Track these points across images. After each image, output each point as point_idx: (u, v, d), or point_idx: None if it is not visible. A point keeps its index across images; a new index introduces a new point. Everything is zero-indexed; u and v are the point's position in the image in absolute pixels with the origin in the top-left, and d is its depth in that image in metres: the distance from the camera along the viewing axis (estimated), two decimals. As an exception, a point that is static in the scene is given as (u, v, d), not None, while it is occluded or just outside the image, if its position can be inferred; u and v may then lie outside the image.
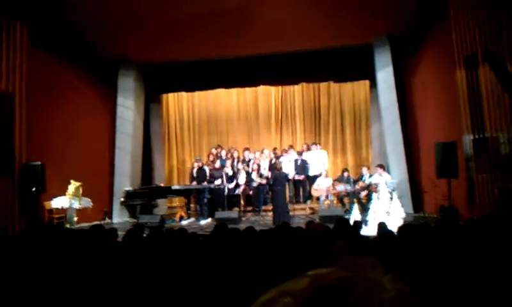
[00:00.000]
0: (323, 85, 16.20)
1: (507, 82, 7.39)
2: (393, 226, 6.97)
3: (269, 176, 12.97)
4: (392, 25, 12.41)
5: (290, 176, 12.86)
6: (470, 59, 9.03)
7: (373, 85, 14.18)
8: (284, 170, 12.01)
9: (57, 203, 10.73)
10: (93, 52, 13.14)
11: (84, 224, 10.64)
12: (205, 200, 12.47)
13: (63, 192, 10.81)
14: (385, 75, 13.11)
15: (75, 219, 10.89)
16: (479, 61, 8.72)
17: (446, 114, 10.92)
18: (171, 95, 16.76)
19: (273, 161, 13.68)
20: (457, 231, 4.23)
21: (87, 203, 11.28)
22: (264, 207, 13.03)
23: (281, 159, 13.52)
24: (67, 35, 11.93)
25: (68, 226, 10.43)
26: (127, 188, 12.63)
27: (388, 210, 9.93)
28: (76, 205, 10.91)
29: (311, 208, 12.93)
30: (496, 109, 8.22)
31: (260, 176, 13.08)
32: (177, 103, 17.15)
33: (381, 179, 11.30)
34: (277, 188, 11.09)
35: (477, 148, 8.89)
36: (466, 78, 9.25)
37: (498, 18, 7.84)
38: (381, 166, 11.91)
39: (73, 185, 10.90)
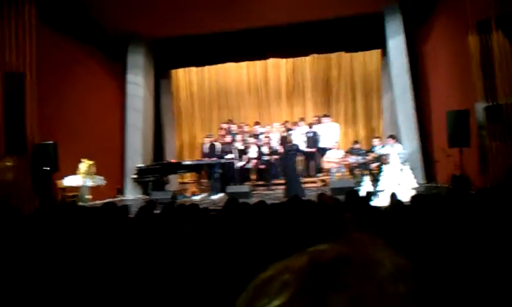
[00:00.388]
0: (334, 56, 16.04)
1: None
2: (405, 196, 6.97)
3: (280, 149, 13.01)
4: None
5: (302, 149, 12.83)
6: (483, 24, 8.86)
7: (384, 54, 14.04)
8: (295, 143, 11.97)
9: (70, 181, 10.81)
10: (101, 28, 13.12)
11: (98, 202, 10.72)
12: (216, 175, 12.49)
13: (75, 171, 10.89)
14: (396, 43, 12.96)
15: (89, 196, 10.97)
16: (492, 26, 8.56)
17: (458, 81, 10.78)
18: (180, 70, 16.70)
19: (284, 134, 13.67)
20: (468, 200, 4.20)
21: (100, 180, 11.34)
22: (275, 181, 13.06)
23: (291, 132, 13.49)
24: (74, 12, 11.89)
25: (81, 203, 10.51)
26: (139, 165, 12.67)
27: (399, 181, 9.90)
28: (89, 183, 10.98)
29: (322, 181, 12.92)
30: (510, 76, 8.09)
31: (271, 153, 13.07)
32: (187, 78, 17.10)
33: (392, 150, 11.23)
34: (288, 161, 11.07)
35: (490, 116, 8.77)
36: (480, 44, 9.09)
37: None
38: (393, 137, 11.82)
39: (85, 164, 10.96)
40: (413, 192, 9.39)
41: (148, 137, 14.28)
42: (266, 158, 13.09)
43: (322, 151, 13.09)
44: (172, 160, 13.79)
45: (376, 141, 12.35)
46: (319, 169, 13.35)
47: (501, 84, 8.36)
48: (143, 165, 12.82)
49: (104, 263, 3.34)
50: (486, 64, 8.85)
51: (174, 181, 14.36)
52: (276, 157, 12.80)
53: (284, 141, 11.66)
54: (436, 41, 12.35)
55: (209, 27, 13.61)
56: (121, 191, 13.43)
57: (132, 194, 13.39)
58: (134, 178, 12.61)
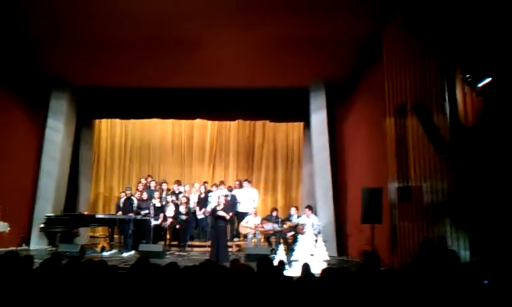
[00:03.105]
0: (259, 123, 16.41)
1: (432, 134, 7.69)
2: (317, 268, 7.03)
3: (197, 210, 12.93)
4: (328, 72, 12.84)
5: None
6: (400, 109, 9.36)
7: (307, 127, 14.46)
8: (212, 206, 11.88)
9: (-29, 225, 10.12)
10: (23, 71, 12.66)
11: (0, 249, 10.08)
12: (130, 231, 12.09)
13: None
14: (319, 118, 13.43)
15: (-11, 243, 10.28)
16: (407, 111, 9.06)
17: (374, 160, 11.22)
18: (104, 121, 16.39)
19: (202, 195, 13.58)
20: (377, 278, 4.29)
21: (3, 227, 10.67)
22: (189, 242, 12.85)
23: (210, 194, 13.45)
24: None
25: (-21, 249, 9.79)
26: (48, 214, 12.06)
27: (312, 252, 10.01)
28: (-9, 228, 10.32)
29: (237, 246, 12.83)
30: (421, 159, 8.52)
31: (188, 213, 12.95)
32: (110, 129, 16.78)
33: (308, 220, 11.44)
34: (219, 225, 10.90)
35: (400, 196, 9.15)
36: (395, 127, 9.58)
37: (429, 73, 8.20)
38: (310, 207, 12.05)
39: (-11, 207, 10.34)
40: (325, 265, 9.52)
41: (62, 186, 13.66)
42: (183, 217, 12.86)
43: (241, 216, 13.06)
44: (85, 212, 13.26)
45: (293, 210, 12.53)
46: (236, 234, 13.27)
47: (413, 166, 8.79)
48: (52, 214, 12.20)
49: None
50: (401, 146, 9.30)
51: (84, 235, 13.76)
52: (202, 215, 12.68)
53: (219, 201, 11.45)
54: (355, 120, 12.91)
55: (138, 82, 13.53)
56: (26, 240, 12.65)
57: (37, 244, 12.64)
58: (42, 228, 11.96)
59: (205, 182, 14.62)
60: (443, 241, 7.15)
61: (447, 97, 7.33)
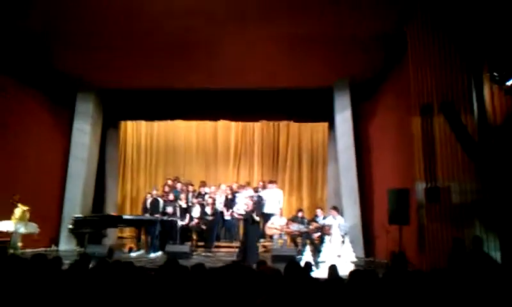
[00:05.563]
0: (283, 124, 16.42)
1: (460, 133, 7.58)
2: (344, 269, 7.00)
3: (224, 211, 13.01)
4: (353, 71, 12.73)
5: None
6: (426, 108, 9.25)
7: (331, 127, 14.39)
8: (239, 206, 11.91)
9: (2, 226, 10.31)
10: (49, 73, 12.89)
11: (29, 250, 10.26)
12: (157, 232, 12.20)
13: (8, 216, 10.41)
14: (343, 118, 13.35)
15: (20, 244, 10.46)
16: (434, 110, 8.95)
17: (400, 160, 11.13)
18: (129, 122, 16.58)
19: (230, 196, 13.64)
20: (405, 281, 4.25)
21: (33, 228, 10.86)
22: (216, 243, 12.92)
23: (237, 195, 13.50)
24: (25, 56, 11.74)
25: (11, 251, 9.98)
26: (76, 215, 12.24)
27: (339, 253, 9.97)
28: (22, 230, 10.50)
29: (264, 247, 12.84)
30: (449, 159, 8.41)
31: (214, 213, 13.02)
32: (135, 131, 16.97)
33: (334, 221, 11.37)
34: (250, 225, 10.92)
35: (429, 197, 9.05)
36: (422, 126, 9.47)
37: (455, 71, 8.10)
38: (335, 208, 11.99)
39: (20, 209, 10.53)
40: (352, 266, 9.48)
41: (89, 187, 13.87)
42: (209, 218, 12.93)
43: (266, 216, 13.07)
44: (112, 213, 13.41)
45: (319, 211, 12.49)
46: (262, 235, 13.28)
47: (440, 167, 8.69)
48: (80, 215, 12.38)
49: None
50: (428, 146, 9.19)
51: (113, 235, 13.93)
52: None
53: (253, 204, 11.47)
54: (381, 119, 12.81)
55: (162, 84, 13.67)
56: (55, 241, 12.86)
57: (66, 245, 12.87)
58: (70, 229, 12.12)
59: (233, 183, 14.69)
60: (478, 242, 6.98)
61: (474, 96, 7.24)
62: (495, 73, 6.35)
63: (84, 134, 13.75)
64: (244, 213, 11.62)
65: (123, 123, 16.22)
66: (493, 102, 6.93)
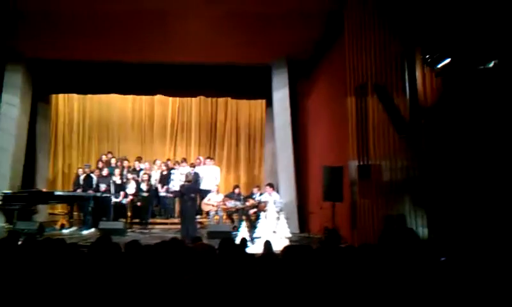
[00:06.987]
0: (221, 100, 16.34)
1: (392, 113, 7.81)
2: (279, 244, 7.13)
3: (159, 187, 12.89)
4: (291, 49, 12.81)
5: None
6: (361, 88, 9.46)
7: (269, 104, 14.45)
8: (175, 183, 11.81)
9: None
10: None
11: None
12: (90, 209, 11.92)
13: None
14: (281, 95, 13.43)
15: None
16: (368, 90, 9.16)
17: (335, 139, 11.34)
18: (61, 96, 15.98)
19: (165, 172, 13.50)
20: (337, 256, 4.37)
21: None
22: (151, 220, 12.79)
23: (173, 171, 13.38)
24: None
25: None
26: (5, 191, 11.76)
27: (275, 229, 10.12)
28: None
29: (200, 223, 12.83)
30: (381, 138, 8.65)
31: (149, 190, 12.84)
32: (67, 105, 16.39)
33: (270, 198, 11.52)
34: (187, 200, 10.84)
35: (361, 174, 9.29)
36: (356, 106, 9.67)
37: (389, 53, 8.29)
38: (271, 185, 12.13)
39: None
40: (287, 241, 9.64)
41: (19, 163, 13.30)
42: (144, 195, 12.76)
43: (203, 193, 13.05)
44: (43, 189, 12.97)
45: (255, 188, 12.60)
46: (198, 211, 13.26)
47: (373, 145, 8.93)
48: (9, 191, 11.91)
49: None
50: (361, 125, 9.41)
51: (44, 212, 13.48)
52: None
53: (186, 178, 11.35)
54: (317, 98, 13.00)
55: (96, 55, 13.20)
56: (-18, 218, 12.33)
57: (-5, 222, 12.35)
58: (-2, 205, 11.67)
59: (168, 159, 14.53)
60: (401, 219, 7.30)
61: (407, 77, 7.44)
62: (427, 56, 6.54)
63: (12, 107, 13.11)
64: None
65: (54, 96, 15.61)
66: (425, 83, 7.15)
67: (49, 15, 10.90)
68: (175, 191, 12.75)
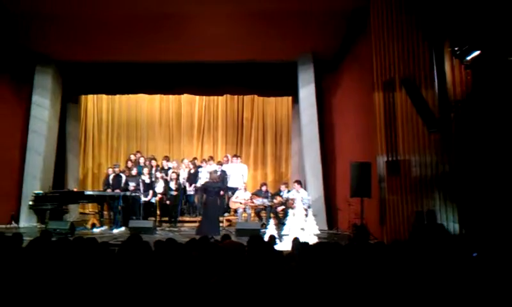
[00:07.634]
0: (247, 98, 16.32)
1: (421, 108, 7.71)
2: (308, 241, 7.10)
3: (187, 186, 12.97)
4: (316, 44, 12.74)
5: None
6: (388, 83, 9.37)
7: (295, 101, 14.41)
8: (202, 181, 11.88)
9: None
10: (7, 47, 12.43)
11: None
12: (119, 208, 12.06)
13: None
14: (307, 92, 13.36)
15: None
16: (396, 85, 9.07)
17: (363, 135, 11.26)
18: (90, 97, 16.19)
19: (192, 171, 13.58)
20: (366, 253, 4.33)
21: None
22: (180, 218, 12.88)
23: (200, 170, 13.46)
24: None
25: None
26: (37, 191, 12.00)
27: (303, 226, 10.09)
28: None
29: (228, 221, 12.89)
30: (409, 133, 8.56)
31: (178, 189, 12.93)
32: (96, 105, 16.58)
33: (297, 195, 11.47)
34: (210, 198, 10.88)
35: (389, 170, 9.21)
36: (383, 101, 9.59)
37: (417, 46, 8.20)
38: (299, 182, 12.08)
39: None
40: (315, 238, 9.62)
41: (50, 163, 13.55)
42: (173, 193, 12.86)
43: (231, 191, 13.10)
44: (74, 189, 13.19)
45: (283, 186, 12.57)
46: (227, 209, 13.32)
47: (401, 140, 8.84)
48: (41, 191, 12.14)
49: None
50: (389, 120, 9.33)
51: (75, 212, 13.72)
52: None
53: (210, 176, 11.42)
54: (344, 94, 12.91)
55: (124, 57, 13.37)
56: (15, 218, 12.59)
57: (27, 222, 12.58)
58: (31, 205, 11.91)
59: (195, 158, 14.61)
60: (432, 215, 7.21)
61: (435, 71, 7.34)
62: (456, 48, 6.44)
63: (43, 109, 13.35)
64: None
65: (83, 97, 15.82)
66: (454, 76, 7.05)
67: (78, 18, 11.12)
68: (197, 188, 12.87)
